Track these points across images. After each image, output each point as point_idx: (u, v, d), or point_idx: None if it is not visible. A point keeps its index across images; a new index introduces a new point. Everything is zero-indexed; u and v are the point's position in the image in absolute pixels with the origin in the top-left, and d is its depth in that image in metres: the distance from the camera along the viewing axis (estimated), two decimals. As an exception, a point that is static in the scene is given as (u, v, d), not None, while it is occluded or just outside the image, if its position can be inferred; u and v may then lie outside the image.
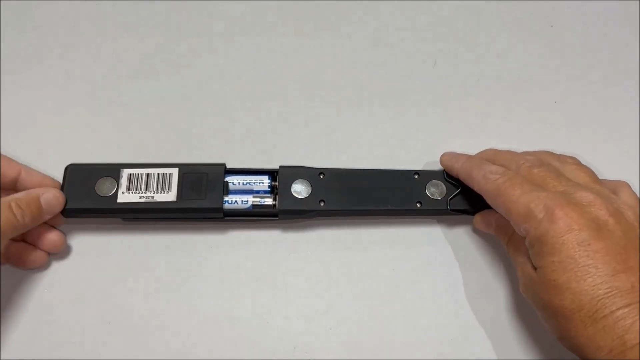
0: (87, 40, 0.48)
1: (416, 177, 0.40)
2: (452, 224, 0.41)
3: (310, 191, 0.38)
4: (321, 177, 0.39)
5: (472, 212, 0.39)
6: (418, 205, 0.39)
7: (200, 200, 0.37)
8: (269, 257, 0.40)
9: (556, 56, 0.49)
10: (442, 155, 0.40)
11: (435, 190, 0.39)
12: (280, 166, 0.39)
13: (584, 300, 0.28)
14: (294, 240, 0.40)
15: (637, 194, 0.35)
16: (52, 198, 0.35)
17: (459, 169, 0.38)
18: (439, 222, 0.41)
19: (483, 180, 0.35)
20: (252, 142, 0.44)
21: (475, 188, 0.36)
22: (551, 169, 0.34)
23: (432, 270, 0.40)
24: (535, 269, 0.31)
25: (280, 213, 0.38)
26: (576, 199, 0.31)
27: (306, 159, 0.41)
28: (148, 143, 0.43)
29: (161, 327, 0.37)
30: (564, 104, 0.47)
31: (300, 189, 0.38)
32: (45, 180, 0.37)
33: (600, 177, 0.36)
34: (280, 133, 0.44)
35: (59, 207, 0.36)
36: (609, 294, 0.28)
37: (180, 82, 0.46)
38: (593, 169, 0.36)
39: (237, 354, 0.36)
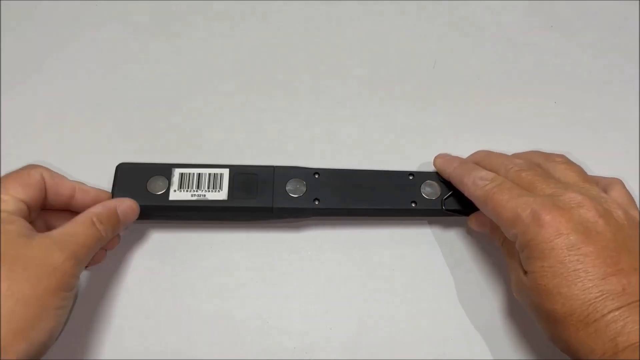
0: (87, 39, 0.48)
1: (411, 177, 0.40)
2: (448, 225, 0.41)
3: (305, 190, 0.39)
4: (316, 177, 0.39)
5: (466, 212, 0.39)
6: (413, 205, 0.39)
7: (251, 199, 0.38)
8: (268, 258, 0.40)
9: (556, 56, 0.49)
10: (435, 158, 0.40)
11: (430, 191, 0.39)
12: (275, 166, 0.39)
13: (575, 305, 0.28)
14: (294, 240, 0.40)
15: (634, 192, 0.34)
16: (128, 209, 0.36)
17: (450, 174, 0.38)
18: (436, 224, 0.41)
19: (473, 187, 0.35)
20: (249, 143, 0.44)
21: (466, 193, 0.36)
22: (539, 172, 0.34)
23: (431, 270, 0.40)
24: (525, 273, 0.31)
25: (275, 211, 0.38)
26: (564, 202, 0.31)
27: (301, 160, 0.41)
28: (149, 142, 0.43)
29: (161, 327, 0.37)
30: (564, 104, 0.47)
31: (294, 188, 0.38)
32: (101, 195, 0.36)
33: (598, 177, 0.35)
34: (275, 134, 0.44)
35: (134, 217, 0.36)
36: (600, 298, 0.28)
37: (178, 81, 0.46)
38: (592, 169, 0.36)
39: (237, 354, 0.36)
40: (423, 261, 0.40)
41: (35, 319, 0.28)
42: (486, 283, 0.39)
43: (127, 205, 0.36)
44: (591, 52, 0.49)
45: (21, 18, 0.48)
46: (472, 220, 0.39)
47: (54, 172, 0.35)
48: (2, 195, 0.32)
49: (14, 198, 0.32)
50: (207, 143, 0.44)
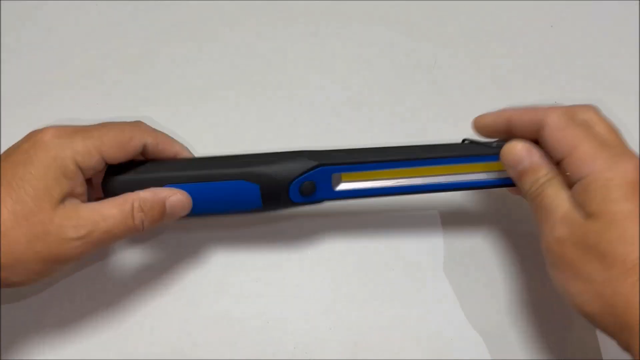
0: (86, 39, 0.48)
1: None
2: (450, 226, 0.41)
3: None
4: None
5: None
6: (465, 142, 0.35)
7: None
8: (268, 257, 0.40)
9: (556, 56, 0.49)
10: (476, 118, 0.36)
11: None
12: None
13: None
14: (294, 240, 0.40)
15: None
16: (178, 203, 0.32)
17: (512, 113, 0.34)
18: (438, 224, 0.41)
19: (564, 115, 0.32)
20: (253, 142, 0.44)
21: (549, 121, 0.32)
22: None
23: (431, 270, 0.40)
24: (588, 215, 0.29)
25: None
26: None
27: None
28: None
29: (161, 327, 0.37)
30: (564, 103, 0.46)
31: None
32: (176, 147, 0.35)
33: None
34: (279, 132, 0.44)
35: (182, 213, 0.33)
36: None
37: (178, 80, 0.46)
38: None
39: (237, 354, 0.36)
40: (424, 261, 0.40)
41: (13, 271, 0.28)
42: (488, 284, 0.39)
43: (178, 199, 0.32)
44: (592, 52, 0.49)
45: (21, 18, 0.48)
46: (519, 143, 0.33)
47: (160, 138, 0.34)
48: (88, 147, 0.30)
49: (99, 156, 0.31)
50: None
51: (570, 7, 0.51)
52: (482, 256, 0.40)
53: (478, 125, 0.35)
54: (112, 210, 0.30)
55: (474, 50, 0.49)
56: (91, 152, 0.31)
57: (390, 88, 0.46)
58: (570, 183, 0.31)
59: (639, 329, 0.26)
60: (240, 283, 0.39)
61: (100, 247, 0.30)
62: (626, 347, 0.27)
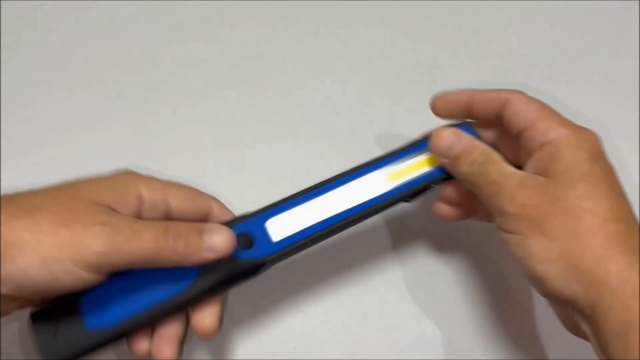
0: (86, 39, 0.48)
1: None
2: (443, 229, 0.41)
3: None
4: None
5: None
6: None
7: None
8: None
9: (556, 56, 0.49)
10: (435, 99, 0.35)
11: None
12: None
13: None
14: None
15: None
16: (220, 241, 0.28)
17: (475, 92, 0.34)
18: (431, 226, 0.41)
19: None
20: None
21: (515, 96, 0.32)
22: None
23: (432, 270, 0.40)
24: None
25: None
26: None
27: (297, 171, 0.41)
28: (144, 151, 0.43)
29: (161, 327, 0.37)
30: (564, 103, 0.47)
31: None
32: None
33: None
34: (279, 132, 0.44)
35: (222, 253, 0.28)
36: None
37: (178, 80, 0.46)
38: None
39: (237, 353, 0.36)
40: (424, 261, 0.40)
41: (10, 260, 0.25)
42: (488, 283, 0.39)
43: (220, 236, 0.28)
44: (592, 52, 0.49)
45: (21, 18, 0.48)
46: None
47: (227, 212, 0.32)
48: (154, 180, 0.30)
49: (163, 191, 0.30)
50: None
51: (570, 7, 0.51)
52: (482, 256, 0.40)
53: (438, 102, 0.35)
54: (149, 222, 0.28)
55: (474, 50, 0.49)
56: (155, 184, 0.30)
57: (390, 88, 0.46)
58: (528, 151, 0.31)
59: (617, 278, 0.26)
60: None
61: (123, 255, 0.26)
62: (591, 308, 0.26)
